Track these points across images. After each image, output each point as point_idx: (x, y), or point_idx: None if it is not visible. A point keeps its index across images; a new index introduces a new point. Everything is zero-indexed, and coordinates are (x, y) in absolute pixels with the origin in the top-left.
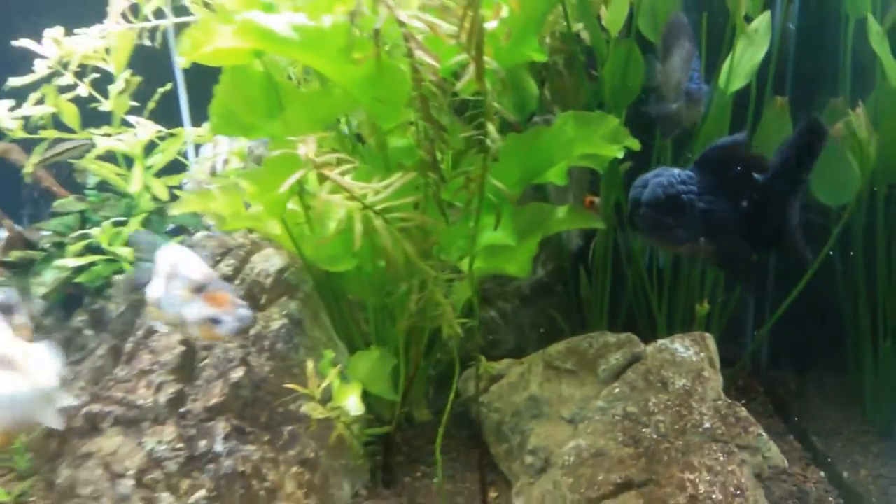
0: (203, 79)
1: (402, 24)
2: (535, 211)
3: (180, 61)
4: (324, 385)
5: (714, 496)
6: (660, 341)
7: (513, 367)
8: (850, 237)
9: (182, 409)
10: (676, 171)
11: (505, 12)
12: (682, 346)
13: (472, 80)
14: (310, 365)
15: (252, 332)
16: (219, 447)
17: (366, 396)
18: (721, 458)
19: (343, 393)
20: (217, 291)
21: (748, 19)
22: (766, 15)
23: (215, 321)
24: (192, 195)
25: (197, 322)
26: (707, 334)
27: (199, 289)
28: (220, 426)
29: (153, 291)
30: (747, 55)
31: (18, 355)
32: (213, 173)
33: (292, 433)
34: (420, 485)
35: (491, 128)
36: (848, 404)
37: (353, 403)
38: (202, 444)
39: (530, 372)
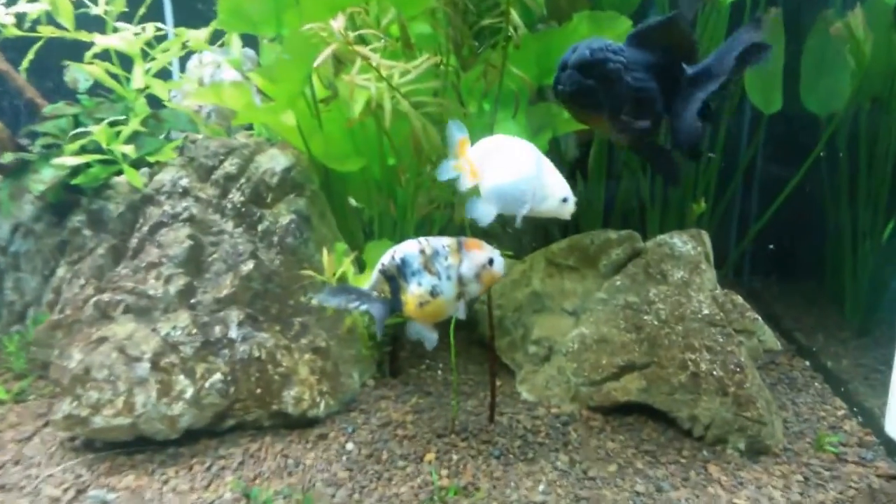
0: None
1: None
2: (545, 111)
3: None
4: (338, 273)
5: (715, 373)
6: (659, 237)
7: (514, 265)
8: (835, 146)
9: (193, 300)
10: (609, 41)
11: None
12: (680, 241)
13: None
14: (325, 253)
15: (260, 227)
16: (233, 333)
17: None
18: (720, 340)
19: (360, 281)
20: (466, 240)
21: None
22: None
23: (491, 262)
24: (203, 89)
25: (477, 272)
26: (703, 231)
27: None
28: (234, 314)
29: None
30: None
31: None
32: (201, 84)
33: (303, 324)
34: (426, 375)
35: (514, 14)
36: (827, 305)
37: None
38: (216, 330)
39: (532, 269)
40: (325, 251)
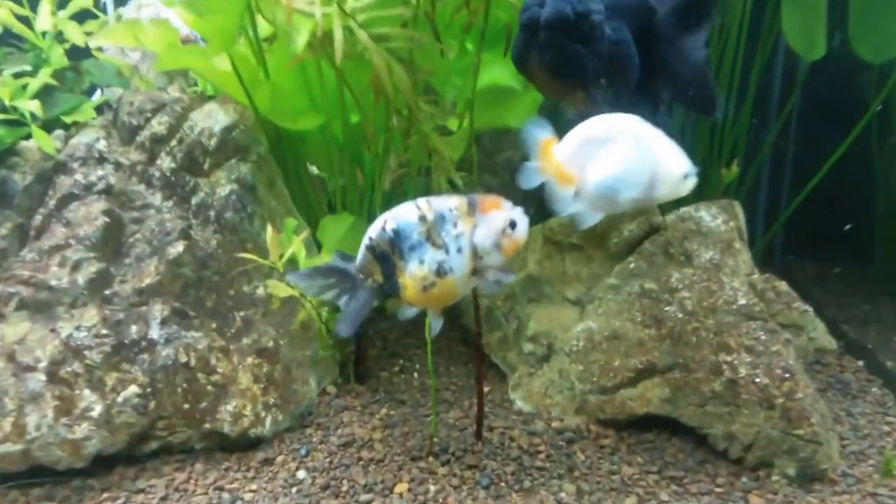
0: None
1: None
2: None
3: None
4: (286, 256)
5: (757, 380)
6: (682, 209)
7: None
8: (891, 102)
9: (107, 292)
10: None
11: None
12: (708, 215)
13: None
14: (270, 231)
15: (194, 200)
16: (154, 333)
17: None
18: (762, 338)
19: (308, 264)
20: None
21: None
22: None
23: (513, 225)
24: (117, 26)
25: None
26: (735, 201)
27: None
28: (156, 309)
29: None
30: None
31: None
32: None
33: (246, 319)
34: (399, 379)
35: None
36: (878, 292)
37: None
38: (133, 329)
39: (526, 248)
40: (269, 228)
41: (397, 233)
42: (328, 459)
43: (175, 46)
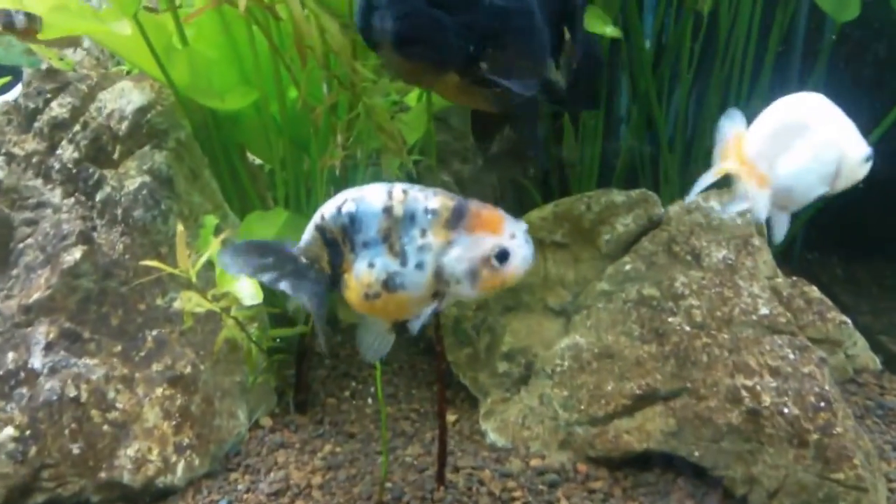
0: None
1: None
2: None
3: None
4: (201, 261)
5: (786, 410)
6: (689, 199)
7: None
8: None
9: None
10: None
11: None
12: (719, 205)
13: None
14: (180, 230)
15: (98, 196)
16: (36, 362)
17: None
18: (791, 357)
19: (229, 275)
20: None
21: None
22: None
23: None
24: None
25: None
26: None
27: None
28: (41, 332)
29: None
30: None
31: None
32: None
33: (159, 339)
34: (349, 407)
35: None
36: None
37: (245, 289)
38: (10, 358)
39: None
40: (179, 227)
41: (353, 219)
42: None
43: (64, 9)
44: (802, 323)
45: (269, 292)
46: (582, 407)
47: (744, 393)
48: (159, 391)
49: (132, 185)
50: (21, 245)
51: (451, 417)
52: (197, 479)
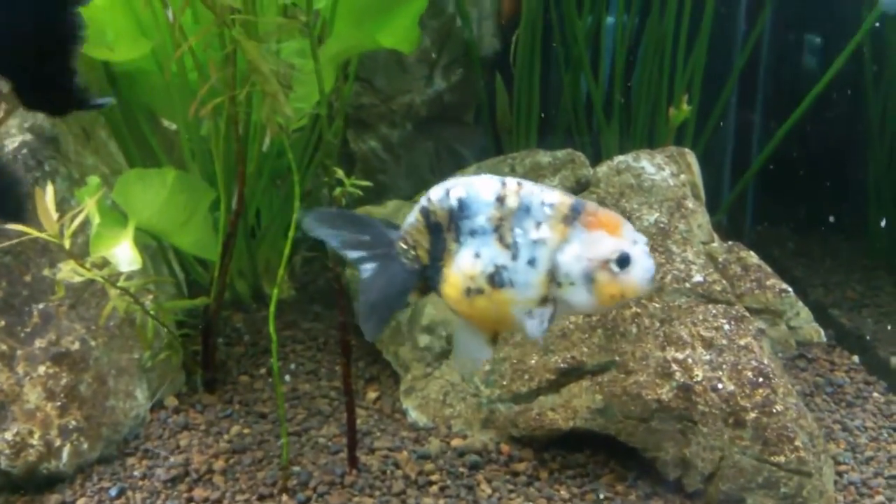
0: None
1: None
2: None
3: None
4: (74, 225)
5: (720, 386)
6: (617, 159)
7: (400, 209)
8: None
9: None
10: None
11: None
12: (651, 165)
13: None
14: (49, 190)
15: None
16: None
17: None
18: (726, 327)
19: (105, 237)
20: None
21: None
22: None
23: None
24: None
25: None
26: (687, 150)
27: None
28: None
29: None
30: None
31: None
32: None
33: (45, 313)
34: (263, 385)
35: None
36: (876, 271)
37: (122, 253)
38: None
39: None
40: (49, 188)
41: (462, 204)
42: (147, 502)
43: None
44: (739, 291)
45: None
46: (504, 382)
47: (675, 367)
48: (42, 369)
49: (12, 144)
50: None
51: (372, 395)
52: (88, 466)
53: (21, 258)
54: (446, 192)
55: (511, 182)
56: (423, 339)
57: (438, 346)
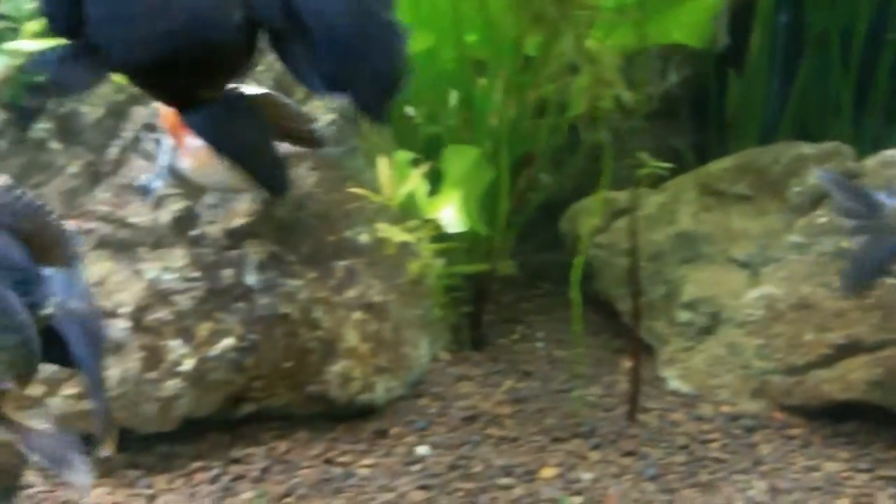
0: None
1: None
2: None
3: None
4: (403, 192)
5: None
6: (889, 152)
7: (647, 196)
8: None
9: (193, 233)
10: None
11: None
12: None
13: None
14: (383, 164)
15: None
16: (251, 279)
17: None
18: None
19: (436, 202)
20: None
21: None
22: None
23: None
24: None
25: None
26: None
27: None
28: (253, 252)
29: None
30: None
31: None
32: None
33: (350, 269)
34: (521, 348)
35: None
36: None
37: (450, 216)
38: (226, 274)
39: (677, 201)
40: (382, 163)
41: None
42: (452, 435)
43: None
44: None
45: None
46: (779, 356)
47: None
48: (355, 316)
49: (324, 120)
50: None
51: (625, 363)
52: (393, 401)
53: (325, 220)
54: None
55: None
56: (684, 315)
57: (700, 322)
